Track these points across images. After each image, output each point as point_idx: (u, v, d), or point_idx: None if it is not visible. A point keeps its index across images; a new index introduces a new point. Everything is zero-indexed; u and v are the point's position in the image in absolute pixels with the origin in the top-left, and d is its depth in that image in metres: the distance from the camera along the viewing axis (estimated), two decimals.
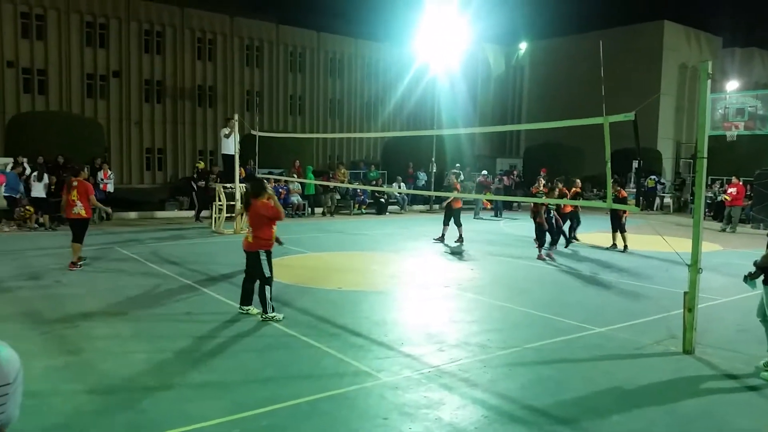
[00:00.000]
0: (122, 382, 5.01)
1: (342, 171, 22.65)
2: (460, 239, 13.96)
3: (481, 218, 20.93)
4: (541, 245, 12.08)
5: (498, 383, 5.16)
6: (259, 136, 16.27)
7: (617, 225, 13.39)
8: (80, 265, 9.77)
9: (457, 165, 25.02)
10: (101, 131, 23.24)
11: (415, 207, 24.07)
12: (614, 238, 13.54)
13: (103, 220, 15.90)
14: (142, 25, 37.15)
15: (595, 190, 27.97)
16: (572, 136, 26.47)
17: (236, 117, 15.61)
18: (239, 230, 15.04)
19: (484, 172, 25.15)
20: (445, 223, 14.15)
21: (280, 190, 19.70)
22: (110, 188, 17.40)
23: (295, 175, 20.25)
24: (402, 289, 9.16)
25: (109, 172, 17.96)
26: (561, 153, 30.85)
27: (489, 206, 22.45)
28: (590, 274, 10.63)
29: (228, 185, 15.44)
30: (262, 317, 6.93)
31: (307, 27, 43.59)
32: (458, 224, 14.02)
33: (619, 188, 13.61)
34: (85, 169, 10.76)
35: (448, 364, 5.59)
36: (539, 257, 11.89)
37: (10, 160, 16.50)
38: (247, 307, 7.22)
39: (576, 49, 42.61)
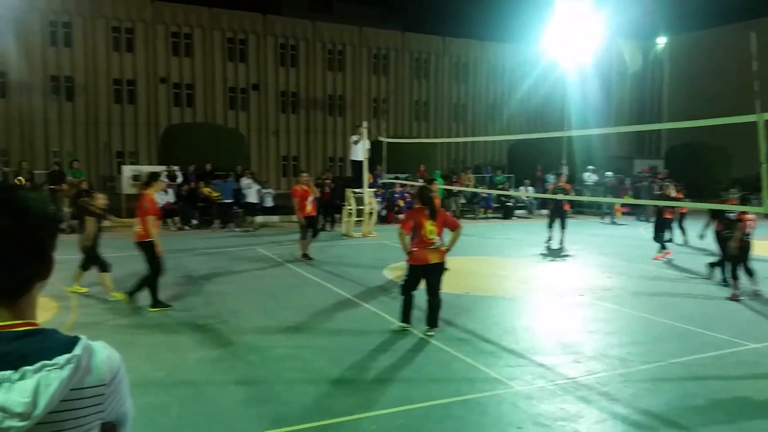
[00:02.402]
0: (266, 375, 5.36)
1: (467, 175, 22.53)
2: (561, 243, 13.54)
3: (615, 223, 19.88)
4: (735, 278, 8.78)
5: (640, 399, 4.88)
6: (386, 142, 16.65)
7: None
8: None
9: (590, 167, 23.96)
10: (243, 141, 24.91)
11: (544, 211, 23.30)
12: None
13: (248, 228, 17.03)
14: (278, 39, 39.40)
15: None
16: (717, 135, 24.35)
17: (365, 124, 16.09)
18: (367, 233, 15.51)
19: (609, 173, 23.86)
20: (551, 225, 13.81)
21: (405, 194, 20.01)
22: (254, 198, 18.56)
23: (421, 180, 20.44)
24: (533, 296, 8.93)
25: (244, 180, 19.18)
26: (705, 153, 28.46)
27: (620, 213, 21.17)
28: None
29: (357, 190, 15.95)
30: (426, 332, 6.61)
31: (432, 33, 43.89)
32: (563, 227, 13.66)
33: None
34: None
35: (585, 377, 5.37)
36: (733, 297, 8.62)
37: (164, 167, 18.23)
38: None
39: (721, 42, 39.31)
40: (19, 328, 1.19)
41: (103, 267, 8.30)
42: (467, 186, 20.87)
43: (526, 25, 42.48)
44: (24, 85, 32.26)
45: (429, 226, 6.50)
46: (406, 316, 6.72)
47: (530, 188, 22.77)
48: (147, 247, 7.59)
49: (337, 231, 16.41)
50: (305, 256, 11.49)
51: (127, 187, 18.44)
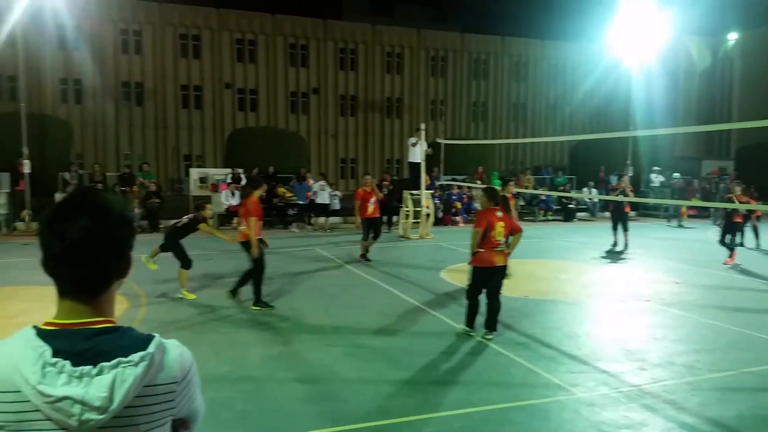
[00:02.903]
0: (326, 373, 5.45)
1: (527, 176, 22.17)
2: (625, 246, 13.39)
3: (682, 226, 19.11)
4: None
5: (709, 408, 4.69)
6: (444, 144, 16.60)
7: None
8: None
9: (656, 168, 23.14)
10: (304, 144, 25.38)
11: (606, 214, 22.65)
12: None
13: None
14: (337, 44, 39.94)
15: None
16: None
17: (423, 126, 16.11)
18: (424, 235, 15.51)
19: (676, 175, 22.93)
20: (615, 228, 13.51)
21: (463, 196, 19.88)
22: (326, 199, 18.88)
23: (479, 182, 20.28)
24: (595, 301, 8.71)
25: (312, 181, 19.54)
26: None
27: (685, 215, 20.31)
28: None
29: (415, 192, 15.98)
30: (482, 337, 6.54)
31: (491, 33, 43.42)
32: (626, 229, 13.52)
33: None
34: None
35: (651, 384, 5.20)
36: None
37: (229, 170, 18.79)
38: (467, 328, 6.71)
39: None
40: (98, 325, 1.27)
41: (185, 264, 8.60)
42: (526, 187, 20.53)
43: (588, 23, 41.38)
44: (98, 91, 33.94)
45: (499, 227, 6.44)
46: (471, 321, 6.63)
47: (594, 190, 22.15)
48: (250, 247, 7.83)
49: (395, 232, 16.47)
50: (363, 256, 11.62)
51: (194, 189, 19.11)
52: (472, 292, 6.63)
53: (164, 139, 36.60)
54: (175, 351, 1.32)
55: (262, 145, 21.68)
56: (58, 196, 16.18)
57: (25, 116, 16.68)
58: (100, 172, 18.34)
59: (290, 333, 6.78)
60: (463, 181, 20.60)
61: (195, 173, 19.85)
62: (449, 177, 20.02)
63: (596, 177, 23.59)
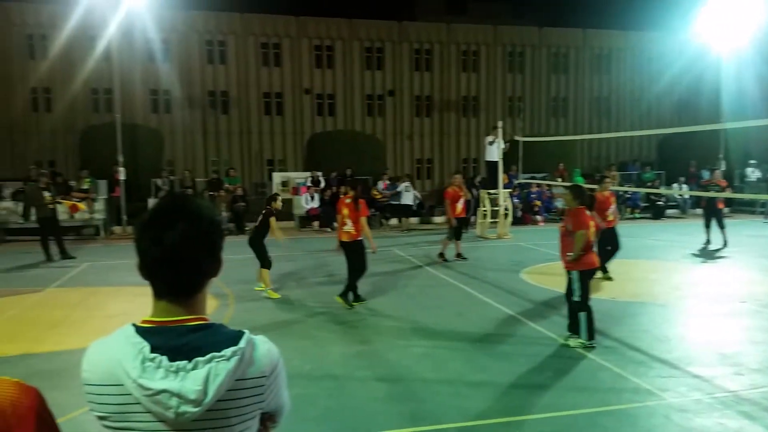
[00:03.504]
0: (405, 373, 5.49)
1: (611, 173, 21.31)
2: (724, 244, 12.65)
3: None
4: None
5: None
6: (522, 141, 16.28)
7: None
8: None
9: (751, 162, 21.68)
10: (380, 145, 25.61)
11: (698, 210, 21.39)
12: None
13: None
14: (412, 45, 40.04)
15: None
16: None
17: (500, 124, 15.87)
18: (503, 235, 15.27)
19: None
20: (707, 225, 12.92)
21: (542, 194, 19.41)
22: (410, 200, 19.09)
23: (560, 179, 19.73)
24: (687, 303, 8.27)
25: (389, 183, 19.73)
26: None
27: None
28: None
29: (492, 191, 15.76)
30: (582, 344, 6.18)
31: (572, 26, 42.14)
32: (722, 226, 12.78)
33: None
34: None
35: (749, 390, 4.90)
36: None
37: (309, 174, 19.26)
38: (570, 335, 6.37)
39: None
40: (192, 322, 1.35)
41: (265, 263, 8.90)
42: (612, 184, 19.73)
43: (674, 12, 39.31)
44: (186, 101, 35.77)
45: (593, 227, 6.25)
46: (592, 333, 6.10)
47: (684, 186, 21.00)
48: (357, 246, 8.04)
49: (471, 232, 16.32)
50: (441, 255, 11.59)
51: (277, 192, 19.73)
52: (585, 302, 6.11)
53: (248, 145, 37.98)
54: (263, 346, 1.39)
55: (340, 148, 22.08)
56: (151, 202, 17.20)
57: (120, 126, 17.79)
58: (189, 178, 19.26)
59: (369, 332, 6.87)
60: (543, 179, 20.10)
61: (277, 177, 20.50)
62: (528, 175, 19.60)
63: (686, 172, 22.35)
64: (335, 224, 17.28)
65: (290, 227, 18.42)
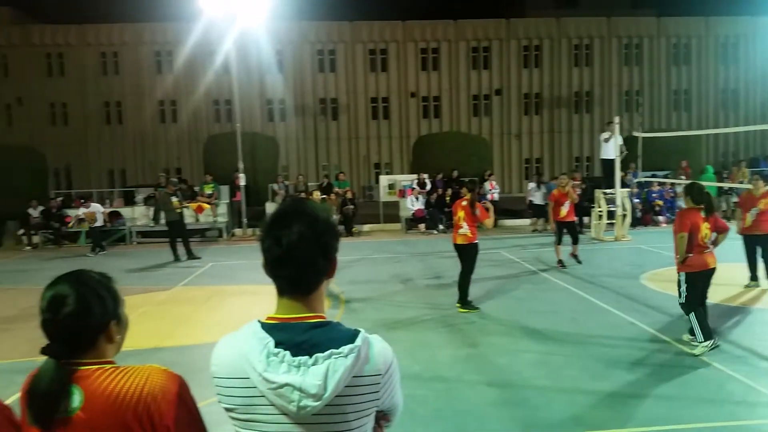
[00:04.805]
0: (516, 379, 5.38)
1: (741, 170, 19.63)
2: None
3: None
4: None
5: None
6: (641, 138, 15.41)
7: None
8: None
9: None
10: (486, 146, 25.30)
11: None
12: None
13: None
14: (520, 42, 39.17)
15: None
16: None
17: (616, 119, 15.13)
18: (620, 237, 14.52)
19: None
20: None
21: (664, 193, 18.24)
22: (496, 197, 18.85)
23: (683, 177, 18.44)
24: None
25: (495, 183, 19.47)
26: None
27: None
28: None
29: (608, 191, 15.05)
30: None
31: (693, 14, 39.30)
32: None
33: None
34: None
35: None
36: None
37: (415, 176, 19.39)
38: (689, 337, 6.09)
39: None
40: (312, 319, 1.42)
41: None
42: (741, 182, 18.19)
43: None
44: (299, 109, 37.33)
45: (705, 229, 5.88)
46: (708, 332, 5.78)
47: None
48: (471, 249, 8.04)
49: (587, 234, 15.65)
50: (559, 262, 11.14)
51: (383, 195, 20.07)
52: (691, 303, 5.89)
53: (356, 150, 38.99)
54: (378, 345, 1.43)
55: (446, 150, 21.99)
56: (269, 205, 18.11)
57: (240, 135, 18.88)
58: (303, 183, 20.06)
59: (477, 335, 6.80)
60: (665, 177, 18.90)
61: (384, 180, 20.81)
62: (649, 173, 18.51)
63: None
64: (440, 226, 17.66)
65: (396, 229, 18.66)
